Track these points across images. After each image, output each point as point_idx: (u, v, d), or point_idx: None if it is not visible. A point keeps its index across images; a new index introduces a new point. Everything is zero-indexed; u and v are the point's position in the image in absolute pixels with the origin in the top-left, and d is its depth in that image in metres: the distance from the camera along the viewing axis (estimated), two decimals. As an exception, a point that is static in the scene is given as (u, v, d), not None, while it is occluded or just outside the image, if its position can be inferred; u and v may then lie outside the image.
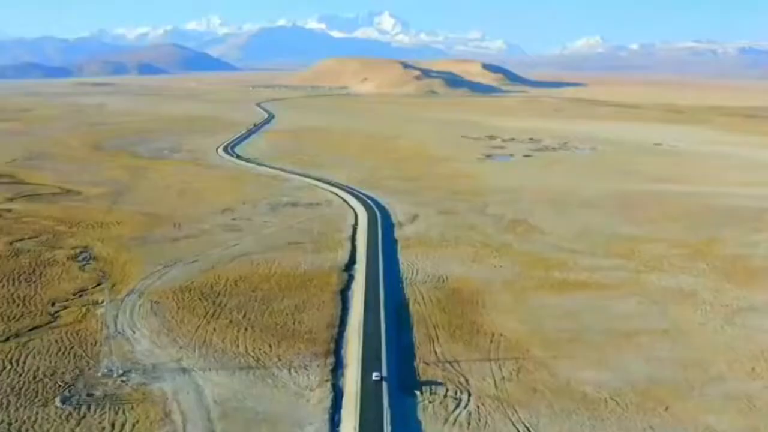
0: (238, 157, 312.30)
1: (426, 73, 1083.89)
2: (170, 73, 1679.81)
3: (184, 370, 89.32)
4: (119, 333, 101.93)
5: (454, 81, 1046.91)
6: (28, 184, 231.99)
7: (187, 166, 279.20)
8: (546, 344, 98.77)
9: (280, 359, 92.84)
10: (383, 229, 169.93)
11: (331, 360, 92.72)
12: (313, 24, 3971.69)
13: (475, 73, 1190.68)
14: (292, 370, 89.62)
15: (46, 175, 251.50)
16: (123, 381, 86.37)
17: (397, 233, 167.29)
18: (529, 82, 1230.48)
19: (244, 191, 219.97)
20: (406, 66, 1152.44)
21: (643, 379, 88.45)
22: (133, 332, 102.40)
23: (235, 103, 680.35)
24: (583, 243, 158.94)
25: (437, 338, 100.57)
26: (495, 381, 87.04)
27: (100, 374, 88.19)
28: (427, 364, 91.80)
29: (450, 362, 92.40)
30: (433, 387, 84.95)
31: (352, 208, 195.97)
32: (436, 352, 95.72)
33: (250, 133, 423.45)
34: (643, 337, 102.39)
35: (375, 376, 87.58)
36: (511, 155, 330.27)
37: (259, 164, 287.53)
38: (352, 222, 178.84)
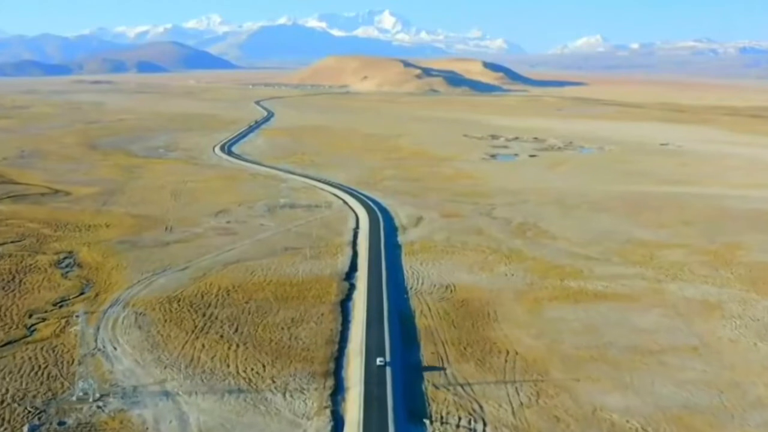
0: (235, 156, 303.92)
1: (427, 72, 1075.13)
2: (169, 72, 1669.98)
3: (167, 394, 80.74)
4: (99, 350, 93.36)
5: (454, 80, 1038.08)
6: (17, 184, 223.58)
7: (182, 166, 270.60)
8: (566, 364, 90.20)
9: (274, 381, 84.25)
10: (386, 234, 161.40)
11: (330, 382, 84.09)
12: (313, 23, 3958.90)
13: (476, 71, 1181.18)
14: (288, 395, 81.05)
15: (37, 174, 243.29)
16: (99, 407, 77.78)
17: (401, 238, 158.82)
18: (530, 81, 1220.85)
19: (240, 192, 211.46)
20: (406, 64, 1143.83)
21: (675, 405, 79.92)
22: (114, 349, 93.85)
23: (234, 102, 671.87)
24: (597, 248, 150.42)
25: (447, 357, 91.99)
26: (512, 408, 78.47)
27: (74, 398, 79.62)
28: (437, 388, 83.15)
29: (462, 385, 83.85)
30: (444, 414, 76.45)
31: (353, 211, 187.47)
32: (446, 373, 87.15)
33: (249, 131, 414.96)
34: (670, 355, 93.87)
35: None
36: (516, 155, 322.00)
37: (256, 164, 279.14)
38: (353, 225, 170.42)
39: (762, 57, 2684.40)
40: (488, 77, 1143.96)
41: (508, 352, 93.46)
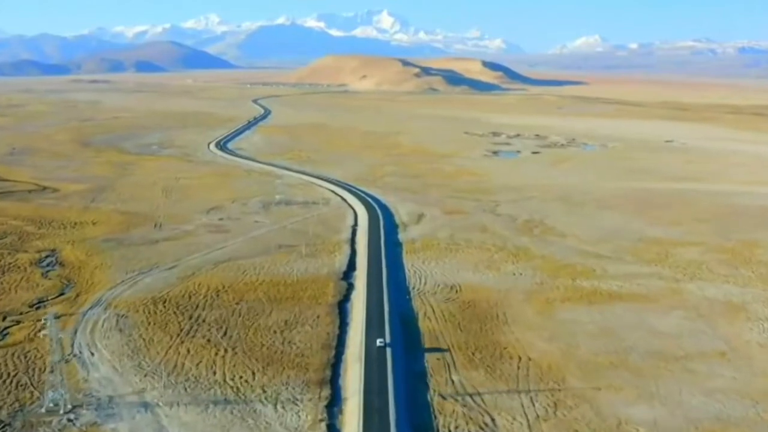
0: (230, 153, 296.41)
1: (426, 71, 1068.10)
2: (168, 71, 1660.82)
3: (146, 406, 73.23)
4: (74, 355, 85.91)
5: (453, 79, 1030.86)
6: (4, 181, 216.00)
7: (175, 163, 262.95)
8: (584, 371, 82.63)
9: (264, 391, 76.68)
10: (386, 231, 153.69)
11: (326, 392, 76.51)
12: (312, 22, 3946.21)
13: (475, 71, 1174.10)
14: (279, 406, 73.47)
15: (25, 171, 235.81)
16: (70, 420, 70.47)
17: (401, 235, 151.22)
18: (529, 80, 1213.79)
19: (234, 188, 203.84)
20: (405, 63, 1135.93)
21: (707, 418, 72.44)
22: (92, 354, 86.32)
23: (231, 100, 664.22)
24: (608, 246, 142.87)
25: (454, 363, 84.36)
26: (528, 421, 70.92)
27: (43, 410, 72.29)
28: (444, 398, 75.56)
29: (471, 395, 76.27)
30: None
31: (352, 207, 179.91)
32: (453, 382, 79.53)
33: (245, 128, 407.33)
34: (697, 361, 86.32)
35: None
36: (518, 152, 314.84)
37: (252, 160, 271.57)
38: (352, 222, 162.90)
39: (761, 57, 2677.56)
40: (487, 76, 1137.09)
41: (520, 358, 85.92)
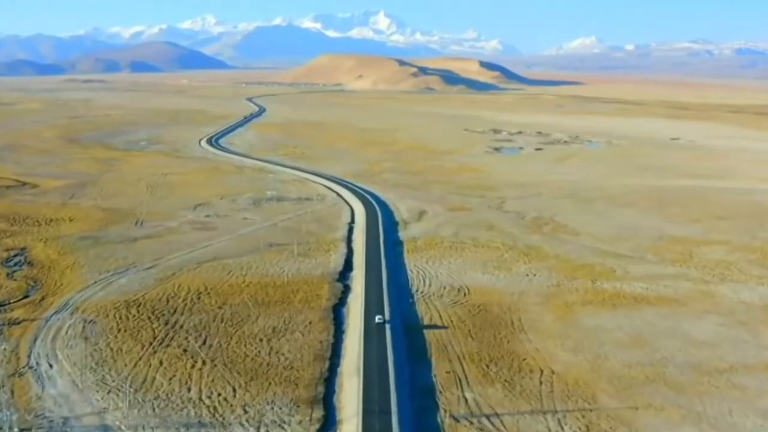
0: (222, 149, 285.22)
1: (422, 71, 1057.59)
2: (163, 71, 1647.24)
3: (106, 429, 62.12)
4: (30, 367, 74.73)
5: (451, 78, 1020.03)
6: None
7: (163, 158, 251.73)
8: (617, 387, 71.63)
9: (246, 411, 65.57)
10: (385, 229, 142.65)
11: (318, 413, 65.36)
12: (308, 23, 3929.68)
13: (472, 70, 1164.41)
14: (263, 430, 62.35)
15: (6, 167, 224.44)
16: (13, 447, 59.35)
17: (402, 233, 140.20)
18: (526, 80, 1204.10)
19: (223, 184, 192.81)
20: (402, 63, 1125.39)
21: (767, 444, 61.66)
22: (50, 366, 75.14)
23: (226, 99, 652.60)
24: (627, 245, 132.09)
25: (466, 378, 73.25)
26: (558, 449, 59.95)
27: (-16, 434, 61.25)
28: (456, 420, 64.50)
29: (488, 416, 65.22)
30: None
31: (348, 204, 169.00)
32: (466, 400, 68.45)
33: (238, 125, 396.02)
34: (743, 375, 75.48)
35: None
36: (521, 148, 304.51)
37: (244, 156, 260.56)
38: (348, 219, 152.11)
39: (759, 58, 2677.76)
40: (485, 76, 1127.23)
41: (542, 371, 74.87)
